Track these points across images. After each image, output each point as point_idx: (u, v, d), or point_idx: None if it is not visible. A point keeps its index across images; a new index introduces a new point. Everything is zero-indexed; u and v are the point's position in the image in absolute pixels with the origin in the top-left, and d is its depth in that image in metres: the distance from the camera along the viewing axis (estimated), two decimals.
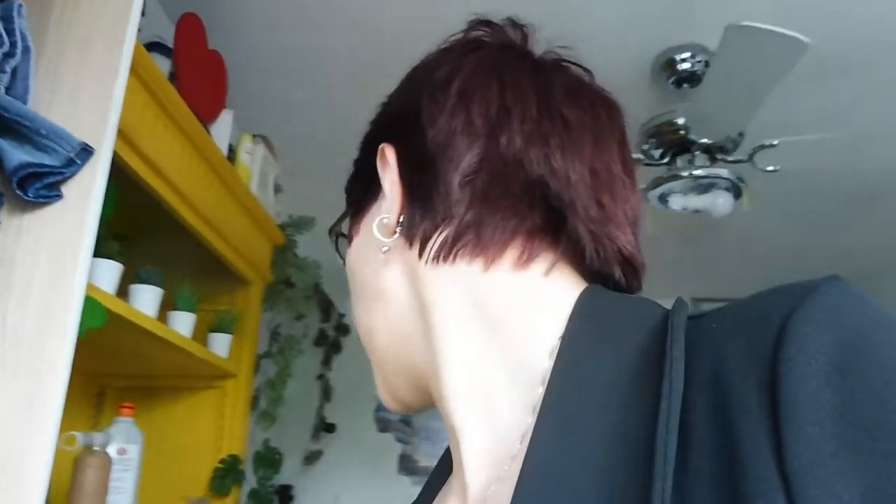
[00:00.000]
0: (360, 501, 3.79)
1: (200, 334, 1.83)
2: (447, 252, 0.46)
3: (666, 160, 1.95)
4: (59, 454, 1.49)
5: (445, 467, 0.54)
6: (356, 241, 0.55)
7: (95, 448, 1.43)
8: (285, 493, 3.56)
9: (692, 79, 1.95)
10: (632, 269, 0.49)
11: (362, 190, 0.54)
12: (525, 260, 0.46)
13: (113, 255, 1.40)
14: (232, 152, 1.88)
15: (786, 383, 0.29)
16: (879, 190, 2.64)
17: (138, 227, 1.68)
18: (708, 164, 1.89)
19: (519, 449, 0.41)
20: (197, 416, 1.94)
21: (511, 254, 0.46)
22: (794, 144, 1.81)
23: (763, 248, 3.26)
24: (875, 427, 0.28)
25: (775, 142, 1.83)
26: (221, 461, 1.88)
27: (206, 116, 1.68)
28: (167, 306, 1.67)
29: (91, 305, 1.17)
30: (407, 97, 0.52)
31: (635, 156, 2.04)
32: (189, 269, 1.86)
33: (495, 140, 0.46)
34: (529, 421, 0.40)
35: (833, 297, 0.32)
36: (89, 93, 1.06)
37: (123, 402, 1.79)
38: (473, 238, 0.46)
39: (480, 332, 0.45)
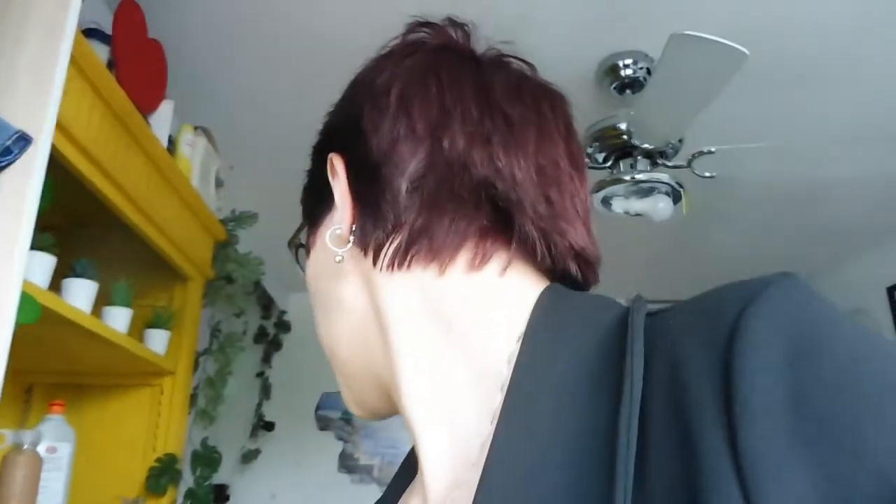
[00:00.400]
0: (296, 500, 3.74)
1: (137, 330, 1.78)
2: (401, 259, 0.46)
3: (609, 164, 1.99)
4: None
5: (411, 467, 0.54)
6: (313, 253, 0.54)
7: (25, 447, 1.38)
8: (221, 493, 3.49)
9: (634, 85, 2.00)
10: (586, 263, 0.49)
11: (315, 201, 0.54)
12: (479, 262, 0.46)
13: (46, 247, 1.35)
14: (172, 144, 1.84)
15: (739, 378, 0.30)
16: (811, 197, 2.75)
17: (73, 219, 1.62)
18: (649, 168, 1.93)
19: (479, 455, 0.40)
20: (132, 413, 1.88)
21: (464, 256, 0.46)
22: (731, 152, 1.87)
23: (703, 252, 3.36)
24: (828, 420, 0.28)
25: (713, 149, 1.89)
26: (158, 460, 1.83)
27: (146, 106, 1.64)
28: (103, 301, 1.62)
29: (24, 301, 1.12)
30: (350, 106, 0.51)
31: None
32: (126, 263, 1.80)
33: (438, 143, 0.46)
34: (490, 427, 0.40)
35: (784, 292, 0.33)
36: (27, 80, 1.02)
37: (53, 400, 1.73)
38: (426, 243, 0.45)
39: (438, 338, 0.45)
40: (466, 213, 0.46)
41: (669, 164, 1.96)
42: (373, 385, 0.51)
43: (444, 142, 0.46)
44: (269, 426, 3.74)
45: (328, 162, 0.50)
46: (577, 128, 0.53)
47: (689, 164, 1.96)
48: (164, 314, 1.87)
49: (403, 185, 0.46)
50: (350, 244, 0.48)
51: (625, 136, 1.90)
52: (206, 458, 2.14)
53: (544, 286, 0.46)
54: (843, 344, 0.31)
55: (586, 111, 2.04)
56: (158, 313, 1.86)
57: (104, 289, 1.60)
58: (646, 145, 1.86)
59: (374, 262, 0.47)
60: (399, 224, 0.46)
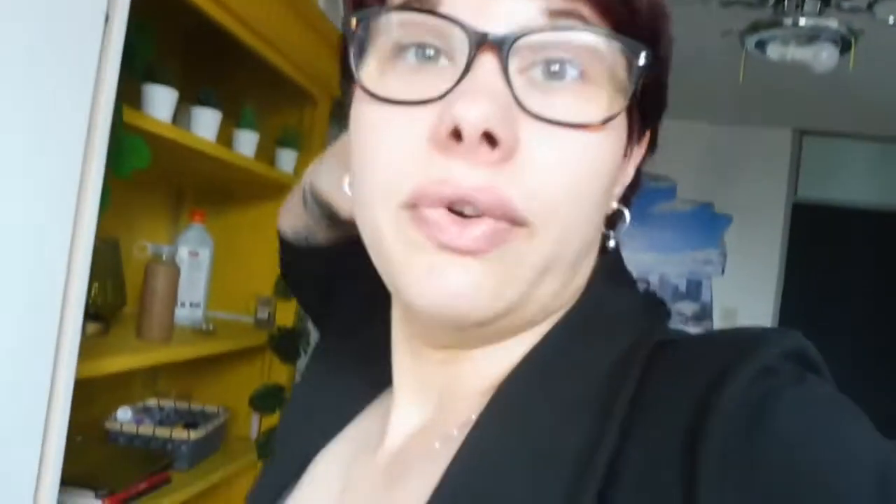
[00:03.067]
0: None
1: (269, 151, 1.89)
2: None
3: (771, 1, 1.72)
4: (133, 261, 1.66)
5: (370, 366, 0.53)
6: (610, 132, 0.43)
7: (164, 257, 1.57)
8: None
9: None
10: None
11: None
12: None
13: (169, 80, 1.43)
14: None
15: (704, 443, 0.32)
16: None
17: (198, 52, 1.69)
18: (818, 10, 1.65)
19: (455, 436, 0.41)
20: (267, 223, 2.06)
21: None
22: None
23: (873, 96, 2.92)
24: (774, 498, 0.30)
25: None
26: None
27: None
28: (232, 125, 1.72)
29: (134, 144, 1.22)
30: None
31: None
32: (255, 88, 1.88)
33: None
34: (473, 416, 0.41)
35: (765, 364, 0.34)
36: None
37: (199, 207, 1.94)
38: None
39: None
40: None
41: (845, 4, 1.66)
42: None
43: None
44: None
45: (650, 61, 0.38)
46: None
47: (869, 7, 1.65)
48: (293, 134, 1.96)
49: None
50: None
51: None
52: None
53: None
54: (798, 425, 0.32)
55: None
56: (287, 133, 1.95)
57: (234, 114, 1.70)
58: None
59: None
60: None
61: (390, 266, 0.39)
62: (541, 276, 0.38)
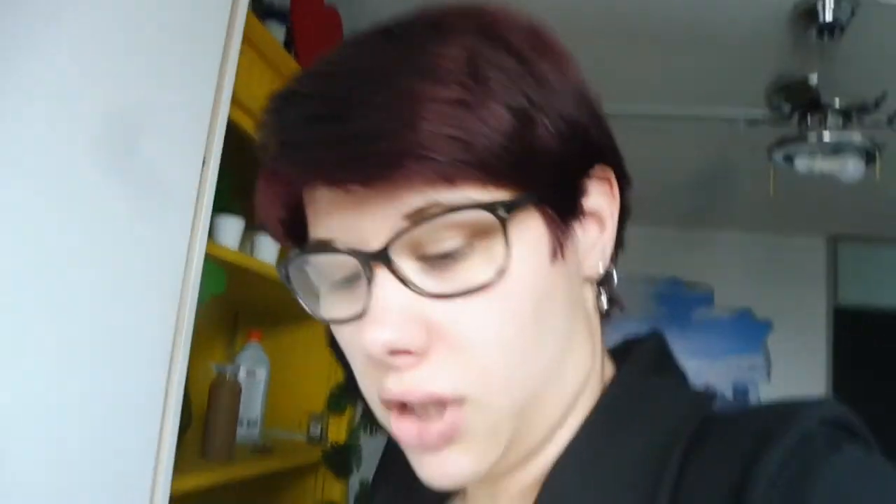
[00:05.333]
0: None
1: None
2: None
3: (795, 117, 1.82)
4: (199, 380, 1.73)
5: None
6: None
7: (227, 376, 1.64)
8: None
9: (835, 28, 1.78)
10: None
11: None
12: None
13: (237, 209, 1.54)
14: None
15: None
16: None
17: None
18: (840, 125, 1.75)
19: None
20: (318, 341, 2.14)
21: None
22: None
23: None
24: None
25: None
26: (338, 384, 2.09)
27: None
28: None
29: (212, 271, 1.32)
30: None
31: (763, 111, 1.92)
32: None
33: None
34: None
35: (804, 432, 0.36)
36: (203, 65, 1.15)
37: (252, 329, 2.02)
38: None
39: None
40: None
41: (866, 119, 1.76)
42: None
43: None
44: None
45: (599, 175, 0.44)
46: (766, 75, 0.50)
47: (890, 122, 1.75)
48: None
49: None
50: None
51: (816, 91, 1.73)
52: None
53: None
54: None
55: (777, 55, 1.87)
56: None
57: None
58: (837, 104, 1.68)
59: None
60: None
61: None
62: (518, 421, 0.41)
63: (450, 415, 0.39)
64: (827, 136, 1.72)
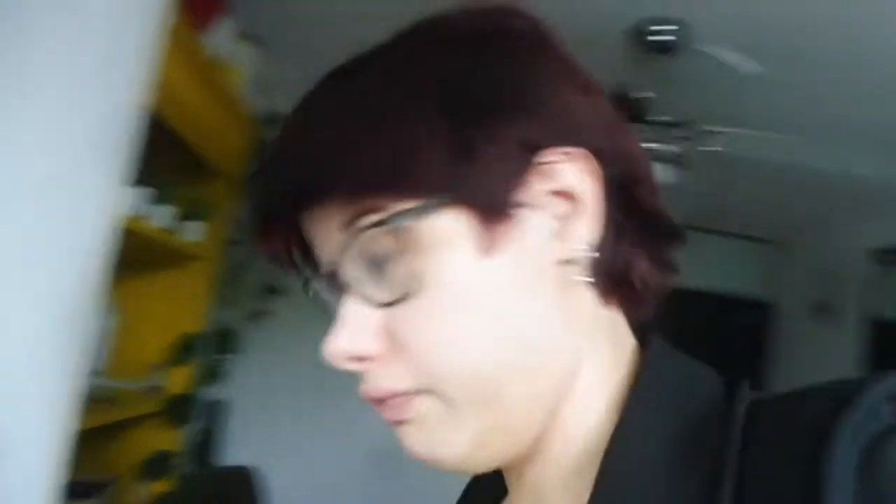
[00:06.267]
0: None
1: (179, 221, 1.98)
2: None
3: None
4: None
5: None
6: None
7: None
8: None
9: (668, 49, 2.05)
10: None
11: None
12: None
13: None
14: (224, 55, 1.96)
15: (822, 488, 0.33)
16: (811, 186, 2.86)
17: None
18: (655, 137, 2.06)
19: None
20: (165, 292, 2.13)
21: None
22: (738, 136, 2.00)
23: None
24: None
25: (719, 130, 2.02)
26: (181, 335, 2.10)
27: (200, 22, 1.75)
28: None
29: None
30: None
31: None
32: (173, 164, 1.98)
33: None
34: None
35: (868, 407, 0.34)
36: None
37: None
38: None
39: None
40: None
41: (677, 134, 2.09)
42: None
43: None
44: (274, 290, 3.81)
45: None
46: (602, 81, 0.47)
47: (693, 139, 2.09)
48: (200, 207, 2.06)
49: None
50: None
51: (641, 108, 2.02)
52: (222, 336, 2.42)
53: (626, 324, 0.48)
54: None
55: (612, 66, 2.13)
56: (194, 206, 2.05)
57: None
58: (664, 118, 1.98)
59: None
60: None
61: None
62: (484, 409, 0.41)
63: (405, 401, 0.42)
64: (646, 143, 2.02)
